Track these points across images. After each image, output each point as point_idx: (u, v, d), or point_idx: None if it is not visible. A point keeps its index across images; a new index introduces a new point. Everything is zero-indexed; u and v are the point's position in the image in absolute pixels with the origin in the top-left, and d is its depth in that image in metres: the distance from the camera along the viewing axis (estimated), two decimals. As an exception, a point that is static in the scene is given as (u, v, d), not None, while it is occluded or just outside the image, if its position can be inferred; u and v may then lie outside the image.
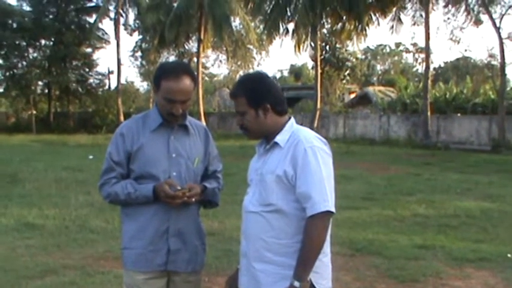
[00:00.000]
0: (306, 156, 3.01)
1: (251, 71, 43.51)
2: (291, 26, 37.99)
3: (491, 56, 39.66)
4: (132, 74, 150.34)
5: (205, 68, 53.80)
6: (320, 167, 3.02)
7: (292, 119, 3.25)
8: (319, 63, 37.67)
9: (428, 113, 31.68)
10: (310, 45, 38.53)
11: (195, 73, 3.57)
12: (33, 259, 7.58)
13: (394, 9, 35.85)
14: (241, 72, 45.70)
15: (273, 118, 3.17)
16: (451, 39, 38.88)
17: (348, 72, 49.76)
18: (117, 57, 44.87)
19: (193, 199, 3.44)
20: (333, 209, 3.00)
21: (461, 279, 6.84)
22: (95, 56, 52.63)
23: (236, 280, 3.37)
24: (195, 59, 43.13)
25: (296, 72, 77.64)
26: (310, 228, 2.98)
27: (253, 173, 3.26)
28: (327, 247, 3.14)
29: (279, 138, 3.14)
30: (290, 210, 3.07)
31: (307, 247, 2.97)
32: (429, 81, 32.51)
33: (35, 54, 49.21)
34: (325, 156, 3.09)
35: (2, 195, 12.79)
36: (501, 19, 32.11)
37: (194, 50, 44.96)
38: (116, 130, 3.61)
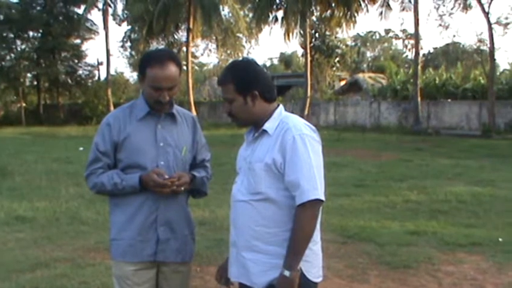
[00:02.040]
0: (294, 144, 2.98)
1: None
2: (280, 13, 38.07)
3: (481, 41, 39.66)
4: (121, 65, 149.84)
5: (195, 57, 53.76)
6: (309, 154, 2.99)
7: (281, 106, 3.21)
8: (308, 50, 37.64)
9: (419, 99, 31.74)
10: (300, 32, 38.53)
11: (181, 60, 3.52)
12: (24, 252, 7.53)
13: (383, -5, 35.82)
14: (230, 61, 45.59)
15: (261, 105, 3.14)
16: (440, 24, 38.86)
17: (337, 59, 49.72)
18: (106, 48, 44.62)
19: (182, 188, 3.41)
20: (322, 197, 2.98)
21: (454, 264, 6.84)
22: (83, 47, 52.36)
23: (227, 269, 3.34)
24: (184, 49, 42.98)
25: (286, 60, 77.54)
26: (300, 216, 2.96)
27: (242, 161, 3.23)
28: (316, 235, 3.11)
29: (268, 126, 3.11)
30: (279, 199, 3.04)
31: (297, 236, 2.95)
32: (419, 67, 32.57)
33: (23, 46, 48.88)
34: (315, 143, 3.06)
35: (-8, 189, 12.72)
36: (490, 4, 32.23)
37: (183, 39, 44.80)
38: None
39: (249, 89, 3.10)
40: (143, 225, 3.42)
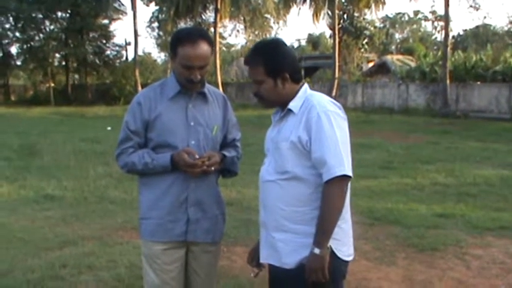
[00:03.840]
0: (319, 121, 2.97)
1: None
2: (308, -6, 37.71)
3: (512, 23, 39.04)
4: (149, 45, 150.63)
5: (223, 38, 53.63)
6: (334, 131, 2.97)
7: (306, 85, 3.19)
8: (337, 32, 37.39)
9: (448, 82, 31.38)
10: (328, 14, 38.31)
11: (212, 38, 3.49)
12: (52, 230, 7.63)
13: (414, -24, 35.41)
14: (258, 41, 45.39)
15: (290, 86, 3.13)
16: (471, 6, 38.35)
17: (366, 41, 49.25)
18: (134, 29, 44.65)
19: (213, 168, 3.39)
20: (349, 173, 2.96)
21: (482, 248, 6.78)
22: (111, 28, 52.54)
23: (258, 252, 3.34)
24: (212, 29, 42.88)
25: (314, 41, 77.09)
26: (328, 193, 2.95)
27: (269, 142, 3.22)
28: (346, 213, 3.11)
29: (292, 105, 3.10)
30: (306, 177, 3.03)
31: (326, 213, 2.95)
32: (448, 49, 32.15)
33: (52, 27, 49.12)
34: (340, 120, 3.04)
35: (21, 167, 12.88)
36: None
37: (211, 20, 44.67)
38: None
39: (280, 71, 3.08)
40: (173, 205, 3.41)
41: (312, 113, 3.00)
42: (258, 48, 3.19)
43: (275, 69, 3.07)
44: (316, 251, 2.93)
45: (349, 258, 3.17)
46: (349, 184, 3.02)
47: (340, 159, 2.94)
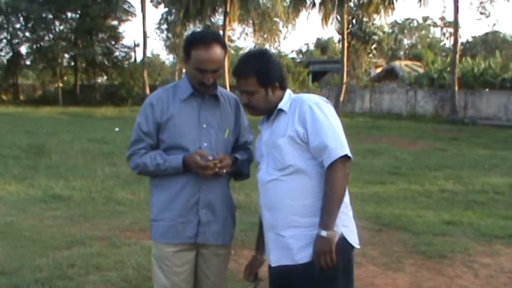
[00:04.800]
0: (312, 112, 3.09)
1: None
2: (317, -1, 37.70)
3: (521, 30, 38.93)
4: (157, 47, 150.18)
5: (231, 41, 53.57)
6: (328, 118, 3.09)
7: (289, 90, 3.32)
8: (345, 36, 37.32)
9: (456, 88, 31.31)
10: (337, 18, 38.22)
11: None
12: (60, 230, 7.65)
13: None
14: (267, 46, 45.34)
15: (278, 94, 3.26)
16: (481, 12, 38.28)
17: (374, 46, 49.21)
18: (143, 30, 44.71)
19: (224, 170, 3.40)
20: (350, 154, 3.05)
21: (490, 256, 6.75)
22: (120, 29, 52.46)
23: (254, 267, 3.48)
24: (221, 32, 42.92)
25: (322, 45, 76.97)
26: (331, 176, 3.02)
27: (263, 147, 3.30)
28: (347, 198, 3.18)
29: (282, 105, 3.22)
30: (308, 168, 3.11)
31: (330, 195, 3.01)
32: (457, 56, 32.08)
33: (62, 27, 49.16)
34: (331, 109, 3.18)
35: (30, 167, 12.92)
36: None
37: (220, 22, 44.67)
38: (144, 101, 3.57)
39: (272, 81, 3.21)
40: (185, 207, 3.41)
41: (303, 107, 3.13)
42: (248, 60, 3.29)
43: (267, 79, 3.19)
44: (323, 233, 2.98)
45: (358, 246, 3.24)
46: (350, 166, 3.10)
47: (340, 141, 3.05)
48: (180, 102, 3.43)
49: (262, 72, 3.18)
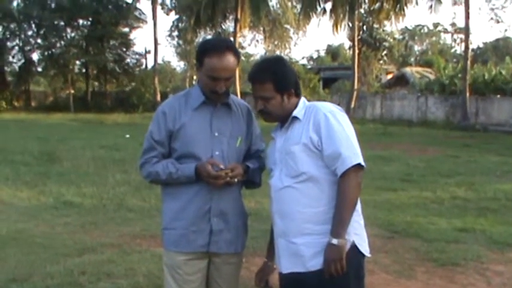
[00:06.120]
0: (327, 120, 3.09)
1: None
2: (328, 5, 37.84)
3: (533, 36, 38.81)
4: (168, 54, 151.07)
5: (242, 47, 53.66)
6: (343, 126, 3.10)
7: (304, 98, 3.33)
8: (356, 43, 37.36)
9: (467, 94, 31.22)
10: (348, 25, 38.29)
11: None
12: (71, 237, 7.65)
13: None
14: (277, 52, 45.38)
15: (293, 101, 3.26)
16: (491, 18, 38.18)
17: (385, 52, 49.27)
18: (154, 37, 44.97)
19: (236, 179, 3.38)
20: (363, 163, 3.05)
21: (503, 264, 6.70)
22: (132, 36, 52.82)
23: (265, 273, 3.48)
24: (232, 39, 43.01)
25: (333, 52, 76.98)
26: (344, 184, 3.03)
27: (276, 154, 3.31)
28: (358, 206, 3.18)
29: (297, 112, 3.22)
30: (321, 176, 3.11)
31: (342, 203, 3.01)
32: (468, 62, 31.99)
33: (73, 34, 49.50)
34: (345, 117, 3.17)
35: (41, 173, 12.95)
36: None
37: (231, 29, 44.76)
38: (156, 108, 3.57)
39: (288, 87, 3.22)
40: (196, 216, 3.39)
41: (318, 114, 3.13)
42: (266, 66, 3.29)
43: (284, 85, 3.20)
44: (334, 241, 2.98)
45: (369, 255, 3.24)
46: (362, 175, 3.10)
47: (354, 149, 3.06)
48: (192, 110, 3.41)
49: (279, 78, 3.18)
